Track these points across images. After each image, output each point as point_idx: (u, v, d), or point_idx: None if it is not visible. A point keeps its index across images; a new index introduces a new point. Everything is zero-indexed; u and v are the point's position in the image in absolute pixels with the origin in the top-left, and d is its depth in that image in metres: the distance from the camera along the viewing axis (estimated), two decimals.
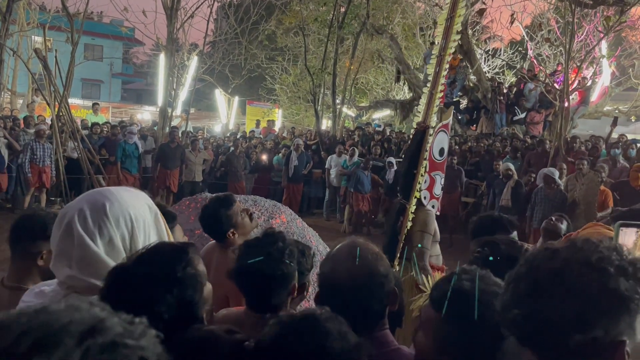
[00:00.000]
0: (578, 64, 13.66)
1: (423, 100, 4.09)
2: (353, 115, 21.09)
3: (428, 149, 3.71)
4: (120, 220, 1.43)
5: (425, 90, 4.10)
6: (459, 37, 4.21)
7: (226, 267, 1.79)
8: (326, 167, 12.32)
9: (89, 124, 12.77)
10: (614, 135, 11.51)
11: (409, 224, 3.68)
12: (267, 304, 1.66)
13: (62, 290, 1.40)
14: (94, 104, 15.98)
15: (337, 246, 1.53)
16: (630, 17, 16.02)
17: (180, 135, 12.38)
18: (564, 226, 3.64)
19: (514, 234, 2.79)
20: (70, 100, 11.81)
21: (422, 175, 3.64)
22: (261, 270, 1.63)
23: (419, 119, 3.99)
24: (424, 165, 3.63)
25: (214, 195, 2.91)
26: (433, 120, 3.86)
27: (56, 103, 10.52)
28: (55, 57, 10.60)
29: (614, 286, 0.91)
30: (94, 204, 1.43)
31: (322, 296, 1.46)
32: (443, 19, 4.12)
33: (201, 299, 1.35)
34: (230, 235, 2.63)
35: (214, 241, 2.78)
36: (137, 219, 1.46)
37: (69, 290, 1.39)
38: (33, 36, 16.23)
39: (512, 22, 17.68)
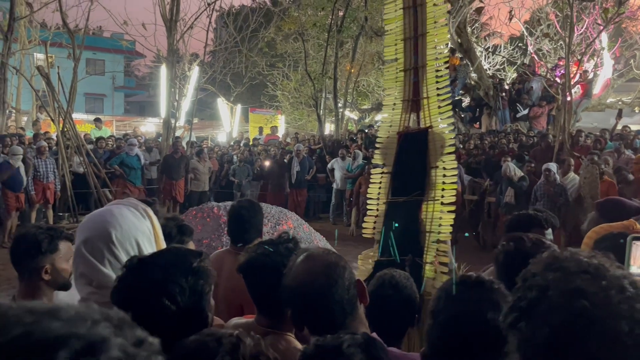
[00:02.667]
0: (579, 57, 13.65)
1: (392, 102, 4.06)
2: (356, 118, 21.13)
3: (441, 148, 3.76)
4: (126, 245, 1.52)
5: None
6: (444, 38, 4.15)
7: (239, 275, 1.81)
8: (328, 167, 12.33)
9: (92, 138, 12.85)
10: (618, 127, 11.48)
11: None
12: (273, 305, 1.68)
13: None
14: (95, 119, 16.09)
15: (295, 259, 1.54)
16: (629, 8, 15.99)
17: (184, 145, 12.44)
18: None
19: (549, 231, 2.75)
20: (74, 115, 11.91)
21: (442, 170, 3.76)
22: (265, 263, 1.68)
23: (393, 125, 3.95)
24: (442, 161, 3.74)
25: (244, 200, 2.89)
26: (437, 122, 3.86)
27: (60, 119, 10.61)
28: (58, 73, 10.70)
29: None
30: (101, 233, 1.52)
31: (289, 307, 1.49)
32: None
33: (209, 296, 1.39)
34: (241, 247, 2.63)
35: (221, 249, 2.80)
36: (143, 241, 1.56)
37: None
38: (35, 54, 16.38)
39: (510, 19, 17.69)
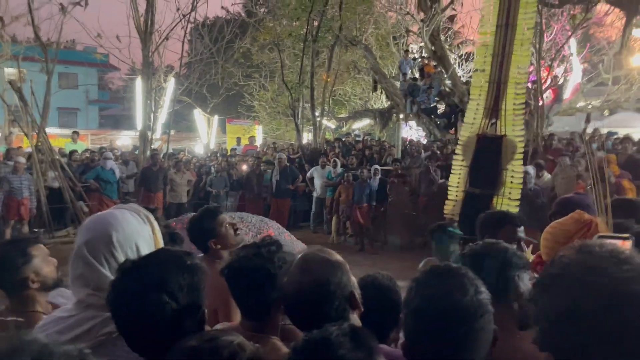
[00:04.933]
0: (549, 63, 13.97)
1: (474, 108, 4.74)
2: (333, 126, 21.23)
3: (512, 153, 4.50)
4: (126, 247, 1.53)
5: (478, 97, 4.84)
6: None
7: (213, 279, 1.83)
8: (307, 176, 12.33)
9: (66, 152, 12.65)
10: (589, 130, 11.76)
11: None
12: (256, 307, 1.69)
13: (81, 310, 1.50)
14: (73, 132, 15.86)
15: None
16: (596, 14, 16.45)
17: (162, 157, 12.35)
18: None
19: (522, 229, 2.82)
20: (48, 130, 11.73)
21: (511, 171, 4.50)
22: (248, 266, 1.69)
23: (474, 127, 4.61)
24: (512, 164, 4.48)
25: (204, 208, 2.98)
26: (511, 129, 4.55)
27: (34, 133, 10.44)
28: (31, 87, 10.54)
29: None
30: (102, 234, 1.53)
31: (286, 309, 1.54)
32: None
33: (204, 293, 1.42)
34: (212, 245, 2.67)
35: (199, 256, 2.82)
36: (142, 245, 1.57)
37: (88, 308, 1.48)
38: (6, 68, 16.10)
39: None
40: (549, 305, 0.90)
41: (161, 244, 1.65)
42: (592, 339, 0.86)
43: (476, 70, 4.83)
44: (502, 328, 1.37)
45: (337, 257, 1.54)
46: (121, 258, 1.49)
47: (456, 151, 4.95)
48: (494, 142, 4.50)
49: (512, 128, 4.57)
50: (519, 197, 4.45)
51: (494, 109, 4.52)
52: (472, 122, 4.69)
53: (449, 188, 4.92)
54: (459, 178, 4.79)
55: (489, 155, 4.50)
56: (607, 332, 0.84)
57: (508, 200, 4.40)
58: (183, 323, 1.31)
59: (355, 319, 1.50)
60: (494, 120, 4.54)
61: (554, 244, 2.37)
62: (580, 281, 0.88)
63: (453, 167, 4.86)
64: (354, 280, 1.54)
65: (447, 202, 4.87)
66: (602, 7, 14.98)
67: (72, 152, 12.35)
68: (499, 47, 4.59)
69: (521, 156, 4.57)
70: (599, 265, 0.89)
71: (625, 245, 1.49)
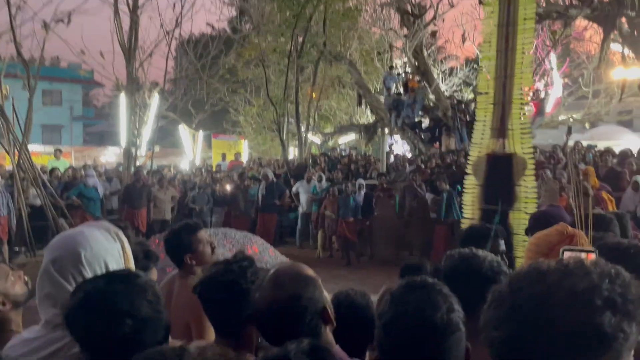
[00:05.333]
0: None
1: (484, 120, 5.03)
2: (319, 141, 21.30)
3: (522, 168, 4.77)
4: (95, 265, 1.51)
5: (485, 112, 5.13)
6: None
7: (186, 294, 1.81)
8: (293, 191, 12.31)
9: (48, 169, 12.52)
10: (570, 143, 11.93)
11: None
12: (229, 323, 1.68)
13: (48, 331, 1.47)
14: (55, 150, 15.72)
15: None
16: (575, 29, 16.81)
17: (145, 174, 12.27)
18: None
19: (501, 242, 2.85)
20: (31, 147, 11.59)
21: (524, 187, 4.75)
22: (219, 282, 1.68)
23: (482, 147, 4.96)
24: (524, 180, 4.73)
25: (183, 222, 2.96)
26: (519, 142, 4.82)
27: (16, 151, 10.32)
28: (13, 104, 10.45)
29: (599, 322, 0.82)
30: (70, 252, 1.50)
31: (257, 325, 1.52)
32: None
33: (163, 307, 1.39)
34: (188, 259, 2.65)
35: (173, 272, 2.80)
36: (111, 262, 1.54)
37: (56, 328, 1.45)
38: None
39: (463, 42, 18.32)
40: (517, 341, 0.89)
41: (131, 262, 1.63)
42: (529, 343, 0.86)
43: (480, 93, 5.10)
44: (476, 343, 1.37)
45: (310, 272, 1.54)
46: (89, 276, 1.47)
47: (467, 171, 5.17)
48: (505, 160, 4.74)
49: (521, 146, 4.79)
50: (534, 210, 4.60)
51: (501, 129, 4.78)
52: (480, 142, 4.96)
53: (464, 207, 5.11)
54: (472, 196, 5.01)
55: (501, 173, 4.74)
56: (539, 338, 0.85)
57: (524, 215, 4.55)
58: (144, 339, 1.30)
59: (328, 334, 1.49)
60: (501, 140, 4.80)
61: (537, 254, 2.39)
62: (522, 291, 0.89)
63: (466, 186, 5.08)
64: (326, 295, 1.53)
65: (462, 221, 5.11)
66: (580, 23, 15.33)
67: (53, 169, 12.22)
68: (501, 70, 4.89)
69: (533, 172, 4.79)
70: (541, 271, 0.90)
71: (590, 258, 1.51)
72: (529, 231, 2.80)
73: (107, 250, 1.56)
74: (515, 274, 0.94)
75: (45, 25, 11.28)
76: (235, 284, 1.66)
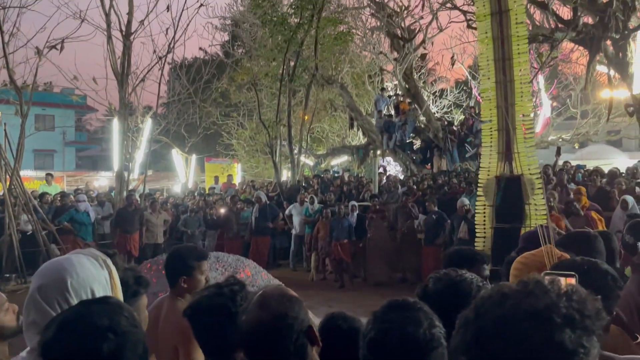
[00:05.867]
0: None
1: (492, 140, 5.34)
2: (311, 163, 21.37)
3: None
4: (81, 292, 1.50)
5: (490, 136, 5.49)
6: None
7: (174, 317, 1.82)
8: (286, 214, 12.31)
9: (38, 194, 12.48)
10: (559, 163, 12.05)
11: None
12: (219, 347, 1.68)
13: (34, 359, 1.44)
14: (47, 175, 15.68)
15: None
16: (562, 51, 17.12)
17: (138, 198, 12.25)
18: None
19: (484, 267, 2.79)
20: (23, 172, 11.58)
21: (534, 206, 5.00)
22: (209, 306, 1.69)
23: (490, 170, 5.26)
24: (533, 199, 4.97)
25: (182, 246, 2.97)
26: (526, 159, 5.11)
27: (7, 176, 10.30)
28: (5, 130, 10.46)
29: (559, 339, 0.86)
30: (56, 279, 1.50)
31: (244, 346, 1.52)
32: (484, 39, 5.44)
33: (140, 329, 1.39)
34: (182, 282, 2.66)
35: (163, 296, 2.81)
36: (98, 289, 1.54)
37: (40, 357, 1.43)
38: None
39: (452, 64, 18.60)
40: (459, 342, 0.93)
41: (119, 289, 1.64)
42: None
43: (484, 121, 5.49)
44: None
45: (294, 293, 1.57)
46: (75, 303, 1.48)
47: (478, 193, 5.48)
48: (514, 182, 5.04)
49: (528, 167, 5.13)
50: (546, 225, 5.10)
51: (507, 153, 5.11)
52: (488, 166, 5.31)
53: (476, 226, 5.42)
54: (484, 216, 5.31)
55: (511, 193, 5.03)
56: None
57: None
58: (127, 355, 1.28)
59: (314, 356, 1.51)
60: (508, 163, 5.13)
61: (527, 274, 2.40)
62: (488, 313, 0.92)
63: (477, 207, 5.39)
64: (312, 317, 1.55)
65: (476, 239, 5.38)
66: (567, 45, 15.61)
67: (43, 194, 12.18)
68: (502, 100, 5.25)
69: (541, 190, 5.11)
70: (503, 293, 0.94)
71: (570, 282, 1.54)
72: (520, 252, 2.81)
73: (94, 277, 1.55)
74: (479, 299, 0.97)
75: (39, 52, 11.35)
76: (225, 307, 1.67)
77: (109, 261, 1.65)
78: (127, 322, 1.31)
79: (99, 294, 1.53)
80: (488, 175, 5.32)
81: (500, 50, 5.30)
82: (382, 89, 18.99)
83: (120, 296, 1.64)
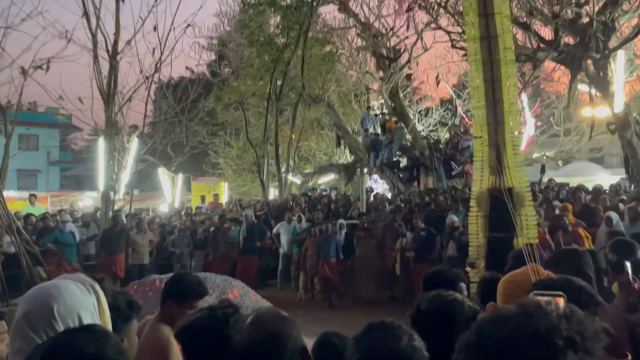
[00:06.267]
0: None
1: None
2: (299, 182, 21.37)
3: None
4: (67, 319, 1.48)
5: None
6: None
7: (153, 340, 1.79)
8: (273, 232, 12.25)
9: (22, 215, 12.32)
10: (544, 180, 12.20)
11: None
12: None
13: None
14: (30, 195, 15.46)
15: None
16: (544, 71, 17.44)
17: (123, 218, 12.12)
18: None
19: (462, 286, 2.77)
20: (6, 193, 11.40)
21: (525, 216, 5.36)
22: (202, 328, 1.68)
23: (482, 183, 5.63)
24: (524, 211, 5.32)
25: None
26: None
27: None
28: None
29: None
30: (42, 306, 1.48)
31: None
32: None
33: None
34: (173, 305, 2.61)
35: (149, 317, 2.78)
36: (85, 316, 1.52)
37: None
38: None
39: (438, 84, 18.84)
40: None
41: (107, 315, 1.61)
42: None
43: (475, 137, 5.90)
44: None
45: (287, 315, 1.58)
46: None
47: (470, 204, 5.82)
48: (505, 194, 5.36)
49: (518, 181, 5.49)
50: (536, 235, 5.36)
51: (498, 167, 5.46)
52: (480, 179, 5.64)
53: (470, 235, 5.73)
54: (477, 226, 5.63)
55: (502, 204, 5.25)
56: None
57: (527, 239, 5.03)
58: None
59: None
60: (499, 176, 5.48)
61: (519, 293, 2.40)
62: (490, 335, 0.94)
63: (470, 217, 5.71)
64: (304, 339, 1.56)
65: (470, 248, 5.70)
66: (549, 64, 15.91)
67: (28, 215, 12.01)
68: (492, 118, 5.61)
69: (532, 202, 5.48)
70: (503, 316, 0.96)
71: (559, 302, 1.56)
72: (509, 270, 2.81)
73: (82, 303, 1.53)
74: (480, 321, 0.99)
75: (24, 72, 11.29)
76: (219, 330, 1.66)
77: (97, 286, 1.63)
78: (114, 351, 1.29)
79: (87, 320, 1.51)
80: (480, 187, 5.63)
81: (490, 72, 5.63)
82: (368, 108, 19.15)
83: (108, 322, 1.62)
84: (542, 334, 0.90)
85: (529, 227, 5.34)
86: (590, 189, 10.86)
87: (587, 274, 2.50)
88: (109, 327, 1.61)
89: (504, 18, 5.81)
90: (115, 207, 13.41)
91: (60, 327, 1.45)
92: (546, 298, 1.66)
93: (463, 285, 2.79)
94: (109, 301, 1.66)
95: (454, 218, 9.58)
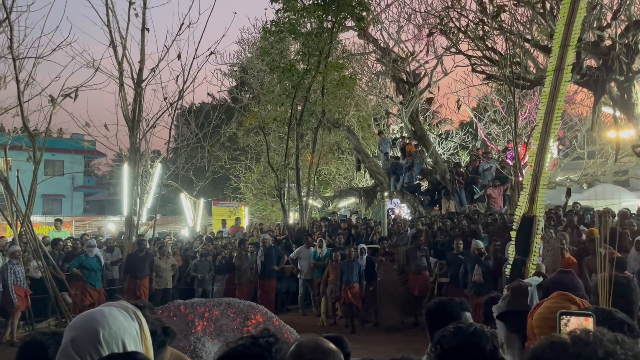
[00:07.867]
0: (526, 140, 14.48)
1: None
2: (319, 205, 21.38)
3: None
4: (112, 344, 1.53)
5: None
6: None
7: None
8: (292, 256, 12.23)
9: (49, 239, 12.53)
10: (569, 204, 12.01)
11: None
12: None
13: None
14: (56, 220, 15.75)
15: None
16: (566, 93, 17.33)
17: (147, 243, 12.25)
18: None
19: (467, 315, 2.64)
20: (32, 218, 11.64)
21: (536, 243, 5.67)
22: (244, 354, 1.68)
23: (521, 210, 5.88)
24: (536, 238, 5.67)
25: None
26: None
27: (18, 222, 10.36)
28: (17, 176, 10.59)
29: None
30: (88, 331, 1.53)
31: None
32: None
33: None
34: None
35: None
36: (129, 342, 1.57)
37: None
38: None
39: (458, 108, 18.82)
40: None
41: (149, 341, 1.65)
42: None
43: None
44: None
45: (332, 345, 1.57)
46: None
47: (513, 227, 6.08)
48: (528, 220, 5.75)
49: (539, 209, 5.82)
50: (536, 262, 5.68)
51: (532, 196, 5.84)
52: (522, 205, 5.95)
53: (509, 257, 6.03)
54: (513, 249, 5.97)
55: (525, 230, 5.69)
56: None
57: (532, 266, 5.45)
58: None
59: None
60: (531, 205, 5.79)
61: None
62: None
63: (512, 240, 5.96)
64: None
65: (509, 267, 6.00)
66: (571, 87, 15.81)
67: (56, 240, 12.22)
68: (540, 149, 5.94)
69: (541, 231, 5.82)
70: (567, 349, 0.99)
71: (588, 322, 1.56)
72: (505, 300, 2.74)
73: (126, 329, 1.58)
74: (537, 350, 1.03)
75: (53, 100, 11.60)
76: (262, 357, 1.66)
77: (139, 313, 1.66)
78: None
79: (130, 346, 1.54)
80: (520, 213, 5.99)
81: (550, 104, 5.89)
82: (380, 132, 19.21)
83: (150, 348, 1.65)
84: (602, 359, 0.95)
85: (534, 254, 5.68)
86: (616, 212, 10.66)
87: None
88: (151, 353, 1.63)
89: (572, 50, 5.98)
90: (139, 232, 13.55)
91: (105, 352, 1.50)
92: (575, 317, 1.65)
93: (468, 314, 2.66)
94: (149, 328, 1.69)
95: (479, 243, 9.46)
